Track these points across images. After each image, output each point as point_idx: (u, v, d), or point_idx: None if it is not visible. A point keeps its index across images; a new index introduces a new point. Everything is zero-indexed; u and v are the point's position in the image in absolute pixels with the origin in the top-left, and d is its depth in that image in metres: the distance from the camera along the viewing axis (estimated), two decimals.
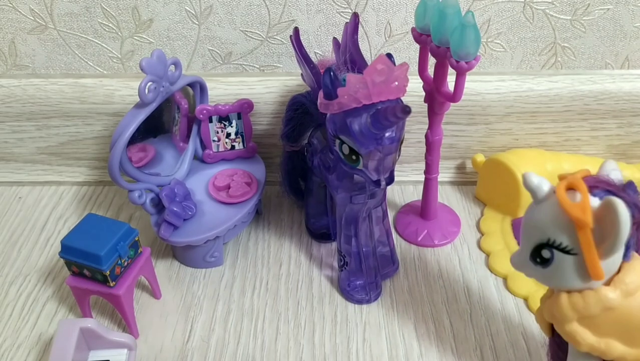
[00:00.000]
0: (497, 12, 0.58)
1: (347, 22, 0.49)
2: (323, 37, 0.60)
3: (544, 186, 0.35)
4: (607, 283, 0.35)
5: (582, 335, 0.36)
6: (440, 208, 0.61)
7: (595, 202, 0.33)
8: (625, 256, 0.34)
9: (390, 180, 0.43)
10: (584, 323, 0.36)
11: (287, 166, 0.58)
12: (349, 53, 0.48)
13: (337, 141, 0.43)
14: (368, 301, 0.52)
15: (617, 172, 0.35)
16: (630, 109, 0.61)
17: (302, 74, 0.52)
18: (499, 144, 0.64)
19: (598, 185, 0.34)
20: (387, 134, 0.40)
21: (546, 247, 0.35)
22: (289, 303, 0.53)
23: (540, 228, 0.35)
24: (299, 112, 0.53)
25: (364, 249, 0.50)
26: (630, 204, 0.33)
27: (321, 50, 0.61)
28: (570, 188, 0.34)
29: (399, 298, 0.53)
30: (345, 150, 0.42)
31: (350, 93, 0.39)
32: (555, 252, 0.34)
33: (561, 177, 0.35)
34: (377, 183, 0.43)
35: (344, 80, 0.40)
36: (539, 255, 0.35)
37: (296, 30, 0.50)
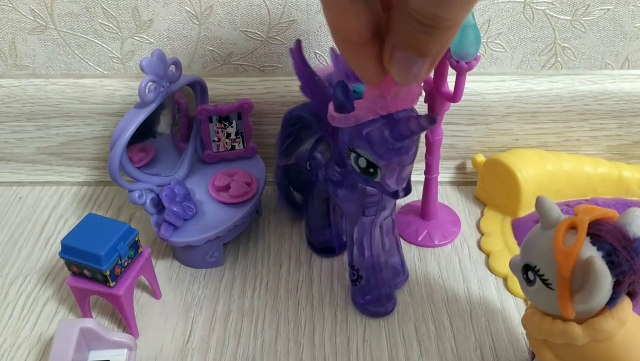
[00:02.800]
0: (497, 12, 0.58)
1: None
2: (323, 37, 0.60)
3: (553, 213, 0.35)
4: (582, 321, 0.35)
5: (543, 353, 0.38)
6: (440, 208, 0.61)
7: (591, 251, 0.33)
8: (608, 304, 0.34)
9: (407, 190, 0.42)
10: (548, 343, 0.38)
11: (284, 181, 0.57)
12: None
13: (353, 155, 0.41)
14: (385, 313, 0.51)
15: (637, 223, 0.34)
16: (630, 110, 0.61)
17: (301, 86, 0.49)
18: (499, 144, 0.64)
19: (601, 235, 0.33)
20: (406, 144, 0.39)
21: (532, 270, 0.36)
22: (289, 303, 0.53)
23: (532, 251, 0.36)
24: (297, 126, 0.52)
25: (377, 261, 0.49)
26: (626, 263, 0.33)
27: (321, 50, 0.61)
28: (575, 228, 0.34)
29: (399, 298, 0.53)
30: (362, 163, 0.40)
31: (367, 105, 0.38)
32: (537, 279, 0.35)
33: (577, 211, 0.35)
34: (395, 194, 0.41)
35: (354, 91, 0.40)
36: (526, 274, 0.36)
37: (298, 42, 0.45)
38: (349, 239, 0.49)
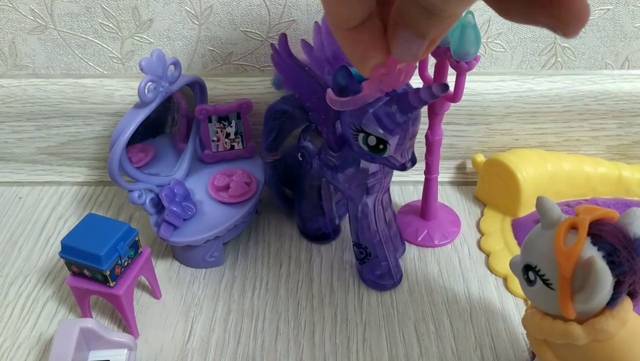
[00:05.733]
0: None
1: (316, 22, 0.48)
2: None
3: (554, 213, 0.35)
4: (583, 321, 0.35)
5: (544, 353, 0.38)
6: (440, 208, 0.60)
7: (591, 251, 0.33)
8: (609, 304, 0.34)
9: (414, 161, 0.43)
10: (549, 343, 0.38)
11: (274, 178, 0.58)
12: (332, 50, 0.47)
13: (361, 135, 0.42)
14: (394, 285, 0.53)
15: (638, 223, 0.34)
16: (630, 110, 0.61)
17: (282, 80, 0.49)
18: (499, 144, 0.64)
19: (602, 235, 0.33)
20: (414, 115, 0.41)
21: (532, 270, 0.36)
22: (289, 303, 0.53)
23: (533, 251, 0.36)
24: (280, 120, 0.53)
25: (382, 235, 0.50)
26: (627, 263, 0.33)
27: None
28: (575, 228, 0.34)
29: (399, 298, 0.53)
30: (372, 141, 0.42)
31: (376, 84, 0.38)
32: (538, 279, 0.35)
33: (578, 211, 0.35)
34: (403, 166, 0.43)
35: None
36: (527, 274, 0.37)
37: (284, 37, 0.47)
38: (353, 220, 0.50)
